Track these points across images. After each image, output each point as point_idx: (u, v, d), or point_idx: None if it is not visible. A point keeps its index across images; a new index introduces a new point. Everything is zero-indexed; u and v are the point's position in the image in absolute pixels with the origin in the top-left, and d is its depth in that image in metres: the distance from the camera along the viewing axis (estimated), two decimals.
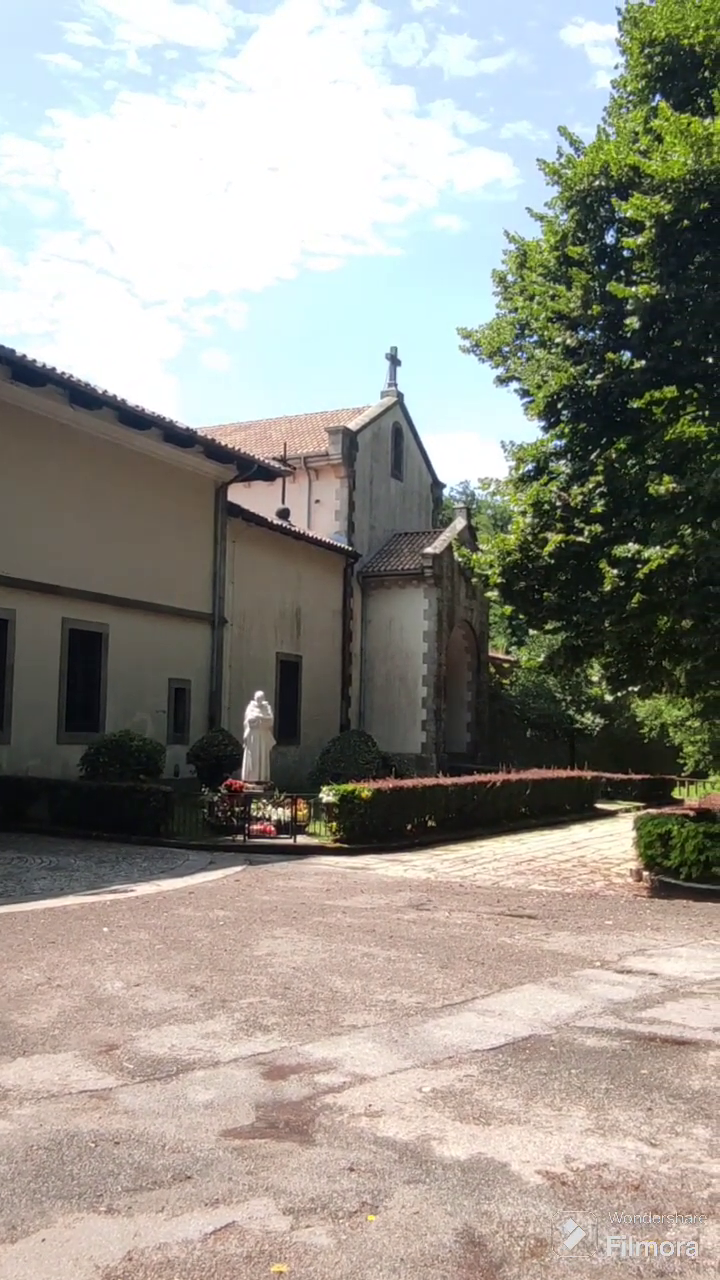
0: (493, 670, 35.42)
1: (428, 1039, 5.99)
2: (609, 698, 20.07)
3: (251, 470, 24.75)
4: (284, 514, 28.32)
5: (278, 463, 27.26)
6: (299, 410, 37.52)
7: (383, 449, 32.64)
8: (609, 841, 17.81)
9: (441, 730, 30.42)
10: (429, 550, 30.05)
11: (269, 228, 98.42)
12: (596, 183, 12.28)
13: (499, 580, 13.09)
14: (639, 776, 31.02)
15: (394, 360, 34.03)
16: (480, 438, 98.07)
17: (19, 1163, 4.20)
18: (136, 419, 20.66)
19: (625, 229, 12.30)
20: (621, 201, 11.65)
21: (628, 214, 11.52)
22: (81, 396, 19.39)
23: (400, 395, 33.86)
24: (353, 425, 30.88)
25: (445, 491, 39.66)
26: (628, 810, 24.64)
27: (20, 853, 13.41)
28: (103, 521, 20.74)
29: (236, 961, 7.74)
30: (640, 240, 11.61)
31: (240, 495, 26.98)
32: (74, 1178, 4.06)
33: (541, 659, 14.10)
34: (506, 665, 37.70)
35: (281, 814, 15.68)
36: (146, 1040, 5.83)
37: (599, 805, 25.75)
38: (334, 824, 15.47)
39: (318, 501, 30.56)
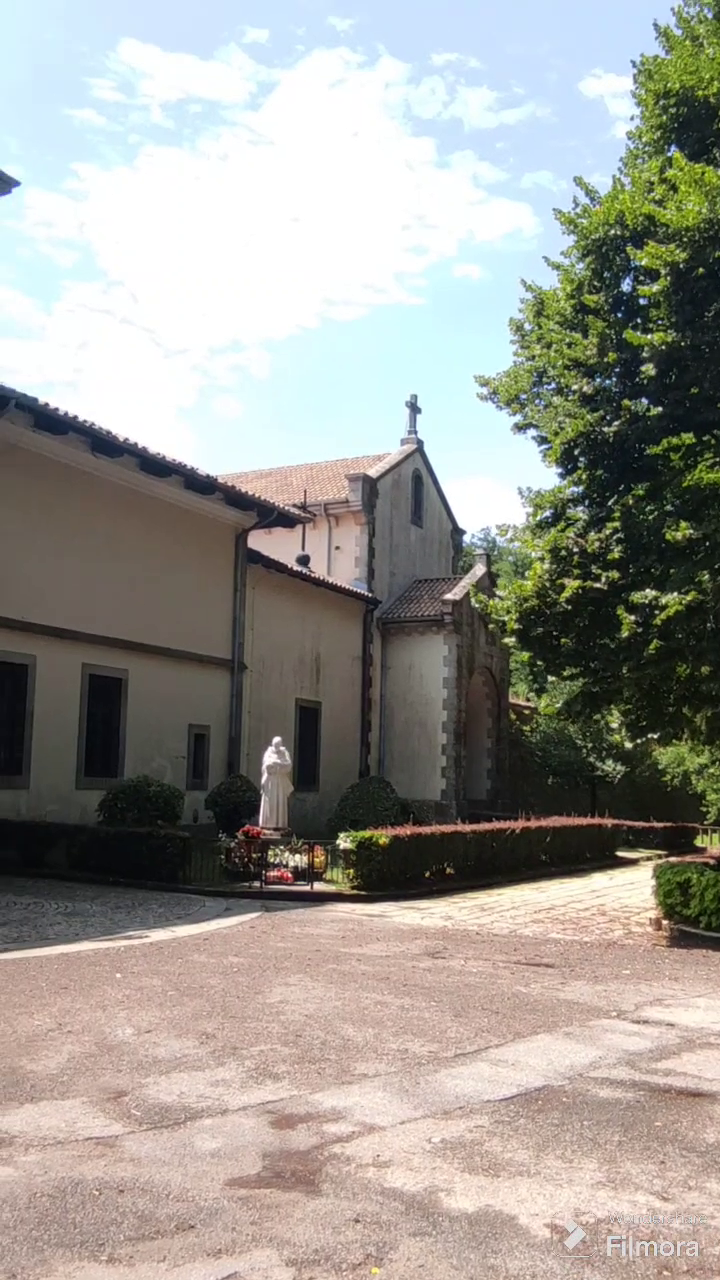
0: (514, 717, 35.27)
1: (439, 1089, 5.91)
2: (629, 745, 19.93)
3: (271, 517, 24.99)
4: (304, 560, 28.51)
5: (298, 510, 27.51)
6: (319, 457, 37.88)
7: (403, 496, 32.87)
8: (629, 890, 17.58)
9: (461, 777, 30.25)
10: (449, 596, 30.10)
11: (291, 277, 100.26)
12: (612, 232, 12.47)
13: (516, 626, 13.10)
14: (661, 824, 30.68)
15: (414, 408, 34.39)
16: (501, 484, 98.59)
17: (22, 1210, 4.16)
18: (157, 466, 20.95)
19: (641, 277, 12.47)
20: (637, 250, 11.82)
21: (643, 262, 11.69)
22: (103, 444, 19.69)
23: (420, 442, 34.16)
24: (373, 472, 31.14)
25: (466, 538, 39.85)
26: (649, 858, 24.33)
27: (37, 898, 13.40)
28: (123, 568, 20.95)
29: (249, 1009, 7.67)
30: (656, 288, 11.75)
31: (261, 542, 27.21)
32: (76, 1226, 4.02)
33: (559, 705, 14.02)
34: (527, 712, 37.52)
35: (299, 861, 15.60)
36: (155, 1087, 5.78)
37: (620, 853, 25.46)
38: (351, 871, 15.36)
39: (338, 548, 30.75)
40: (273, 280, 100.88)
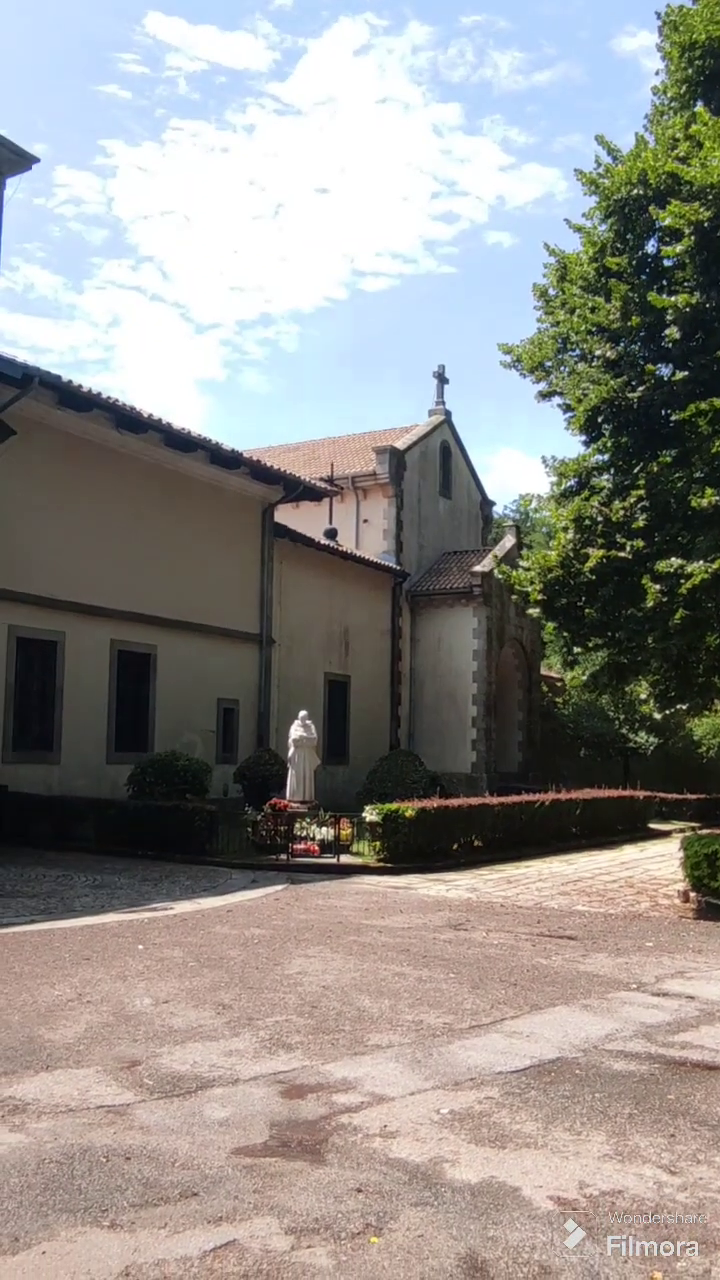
0: (545, 689, 35.09)
1: (451, 1060, 5.91)
2: (657, 715, 19.75)
3: (298, 491, 24.91)
4: (331, 534, 28.45)
5: (324, 483, 27.42)
6: (347, 431, 37.74)
7: (431, 468, 32.65)
8: (659, 862, 17.47)
9: (492, 750, 30.18)
10: (478, 568, 29.92)
11: (319, 249, 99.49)
12: (634, 191, 12.20)
13: (539, 597, 12.99)
14: (695, 796, 30.43)
15: (442, 378, 34.08)
16: (533, 456, 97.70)
17: (29, 1175, 4.22)
18: (183, 442, 20.94)
19: (665, 238, 12.21)
20: (660, 210, 11.56)
21: (666, 222, 11.44)
22: (127, 421, 19.69)
23: (448, 413, 33.87)
24: (400, 444, 30.95)
25: (497, 510, 39.57)
26: (682, 830, 24.13)
27: (67, 870, 13.56)
28: (150, 543, 21.00)
29: (267, 980, 7.72)
30: (679, 248, 11.50)
31: (288, 516, 27.17)
32: (81, 1191, 4.06)
33: (586, 677, 13.90)
34: (559, 684, 37.31)
35: (325, 833, 15.66)
36: (169, 1057, 5.83)
37: (652, 825, 25.28)
38: (377, 843, 15.39)
39: (366, 521, 30.63)
40: (301, 252, 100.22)
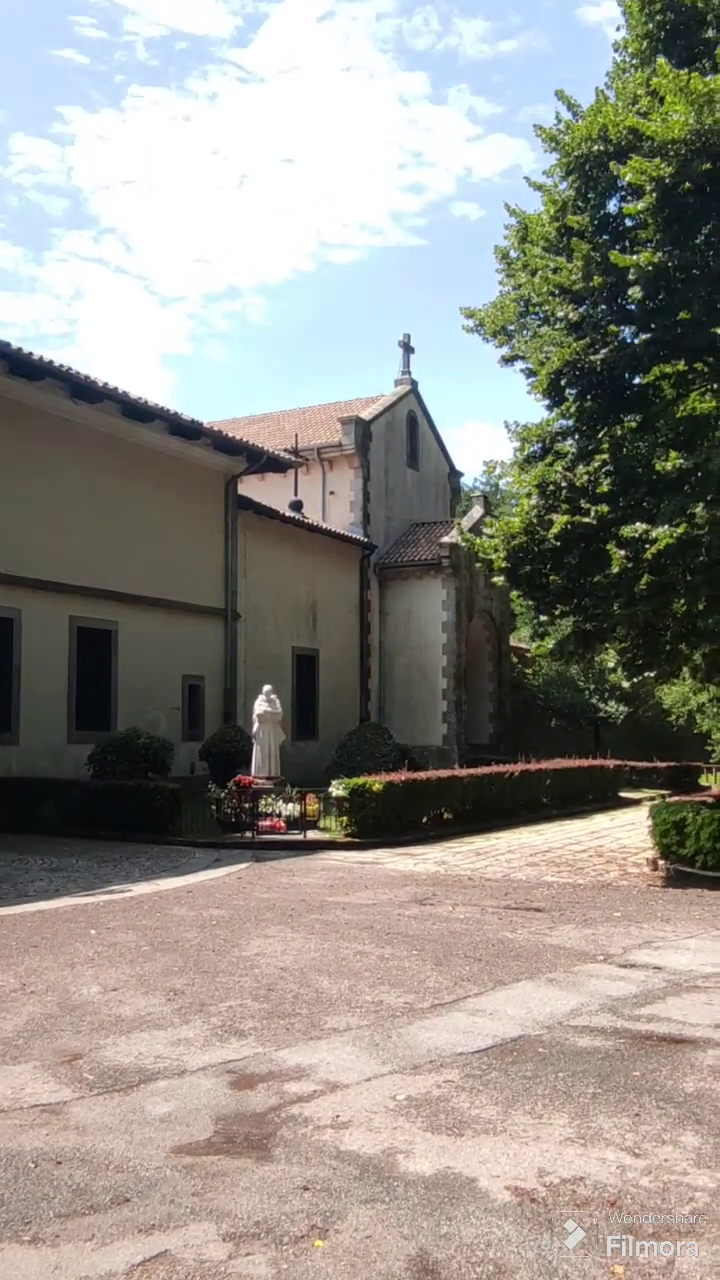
0: (515, 660, 34.96)
1: (410, 1042, 5.68)
2: (625, 684, 19.61)
3: (261, 462, 24.49)
4: (297, 506, 28.06)
5: (289, 454, 27.00)
6: (313, 402, 37.21)
7: (397, 438, 32.26)
8: (629, 831, 17.39)
9: (463, 722, 30.04)
10: (446, 540, 29.62)
11: (285, 220, 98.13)
12: (595, 148, 11.83)
13: (504, 564, 12.71)
14: (665, 764, 30.49)
15: (407, 348, 33.63)
16: (503, 428, 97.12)
17: None
18: (140, 412, 20.46)
19: (626, 196, 11.88)
20: (621, 166, 11.21)
21: (627, 178, 11.10)
22: (83, 390, 19.20)
23: (414, 383, 33.44)
24: (366, 414, 30.53)
25: (466, 481, 39.30)
26: (652, 798, 24.11)
27: (23, 854, 13.23)
28: (109, 517, 20.55)
29: (223, 963, 7.46)
30: (641, 206, 11.17)
31: (254, 488, 26.75)
32: (4, 1203, 3.78)
33: (551, 645, 13.68)
34: (529, 655, 37.22)
35: (291, 809, 15.41)
36: (113, 1049, 5.56)
37: (623, 794, 25.29)
38: (344, 818, 15.17)
39: (332, 493, 30.24)
40: (267, 224, 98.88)
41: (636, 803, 23.86)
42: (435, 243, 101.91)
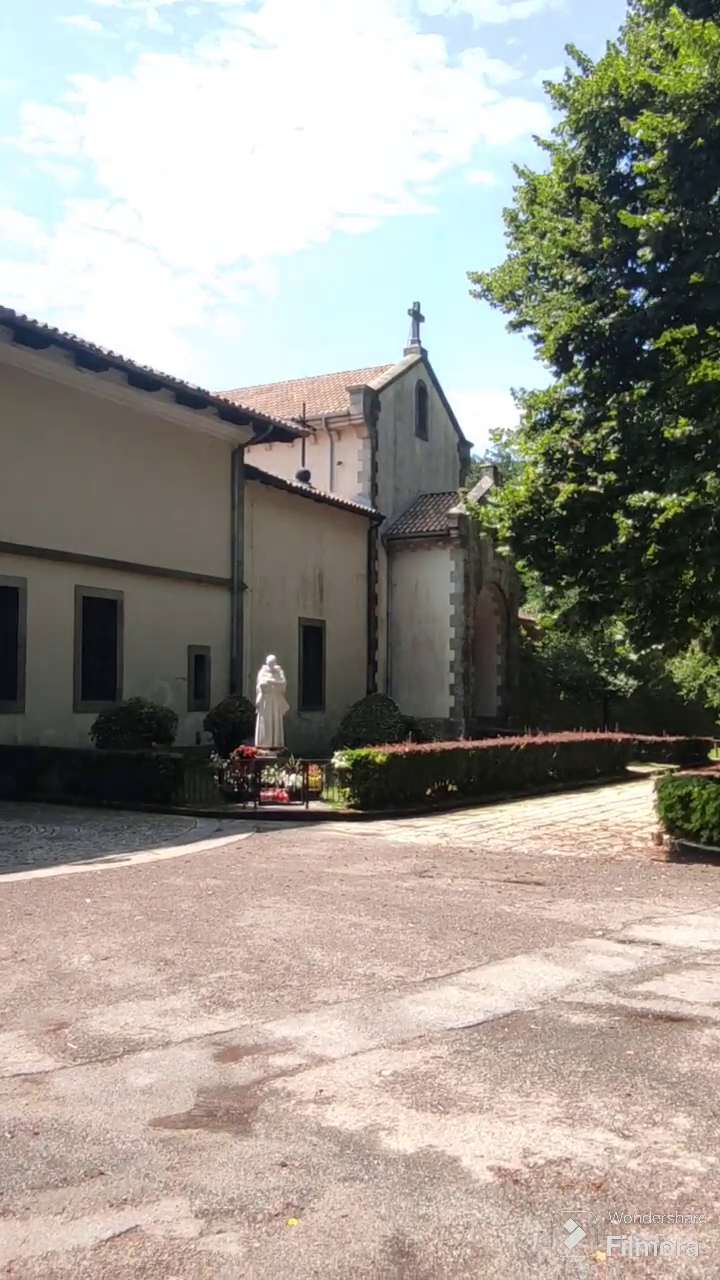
0: (524, 632, 34.76)
1: (400, 1016, 5.58)
2: (633, 656, 19.42)
3: (268, 431, 24.25)
4: (304, 476, 27.82)
5: (296, 423, 26.74)
6: (323, 371, 36.82)
7: (406, 408, 31.93)
8: (635, 805, 17.25)
9: (470, 694, 29.90)
10: (455, 510, 29.34)
11: (298, 189, 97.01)
12: (605, 104, 11.51)
13: (509, 534, 12.52)
14: (673, 738, 30.29)
15: (417, 316, 33.22)
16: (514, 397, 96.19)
17: None
18: (146, 380, 20.23)
19: (638, 154, 11.57)
20: (632, 122, 10.90)
21: (638, 135, 10.79)
22: (87, 358, 18.98)
23: (424, 352, 33.05)
24: (374, 384, 30.20)
25: (476, 452, 38.94)
26: (660, 772, 23.98)
27: (26, 822, 13.20)
28: (115, 487, 20.39)
29: (215, 933, 7.38)
30: (652, 164, 10.87)
31: (261, 458, 26.54)
32: None
33: (557, 616, 13.50)
34: (539, 627, 37.00)
35: (295, 780, 15.33)
36: (100, 1019, 5.48)
37: (631, 768, 25.12)
38: (347, 790, 15.08)
39: (340, 463, 29.98)
40: (280, 193, 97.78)
41: (645, 777, 23.72)
42: (449, 211, 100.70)
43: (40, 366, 18.66)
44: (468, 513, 14.45)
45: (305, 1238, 3.31)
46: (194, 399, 21.63)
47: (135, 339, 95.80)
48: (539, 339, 13.81)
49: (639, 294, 12.29)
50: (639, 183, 11.88)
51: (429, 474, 33.09)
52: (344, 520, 28.41)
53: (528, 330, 14.22)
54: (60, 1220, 3.40)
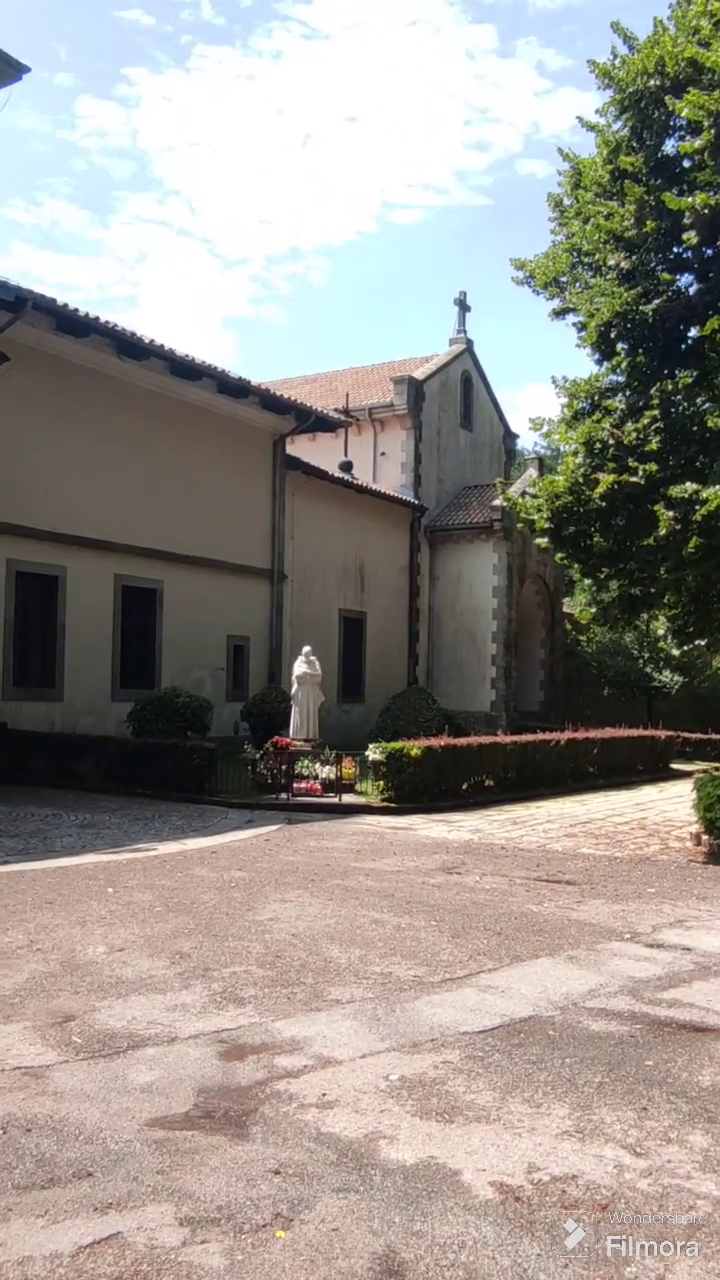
0: (569, 627, 34.33)
1: (414, 1018, 5.43)
2: (676, 651, 19.03)
3: (309, 421, 24.12)
4: (347, 467, 27.67)
5: (339, 414, 26.57)
6: (368, 361, 36.62)
7: (451, 399, 31.64)
8: (676, 804, 16.91)
9: (511, 688, 29.61)
10: (499, 502, 28.97)
11: (349, 180, 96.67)
12: (651, 82, 11.18)
13: (546, 525, 12.27)
14: None
15: (463, 306, 32.88)
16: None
17: None
18: (187, 369, 20.20)
19: (684, 135, 11.24)
20: (678, 101, 10.57)
21: (684, 114, 10.46)
22: (129, 347, 19.00)
23: (470, 342, 32.72)
24: (419, 374, 29.95)
25: (523, 444, 38.46)
26: (705, 771, 23.54)
27: (59, 809, 13.23)
28: (155, 476, 20.41)
29: (234, 926, 7.28)
30: (698, 143, 10.54)
31: (304, 449, 26.46)
32: None
33: (596, 610, 13.22)
34: (580, 621, 36.52)
35: (328, 772, 15.22)
36: (108, 1012, 5.40)
37: (675, 766, 24.69)
38: (381, 783, 14.94)
39: (383, 454, 29.79)
40: (331, 184, 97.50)
41: (688, 775, 23.21)
42: (501, 202, 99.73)
43: (82, 355, 18.70)
44: (504, 502, 14.18)
45: (291, 1251, 3.17)
46: (235, 388, 21.57)
47: (184, 331, 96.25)
48: (581, 327, 13.52)
49: (684, 279, 11.95)
50: (685, 164, 11.55)
51: (473, 465, 32.77)
52: (386, 511, 28.23)
53: (571, 318, 13.97)
54: (41, 1223, 3.30)
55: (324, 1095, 4.38)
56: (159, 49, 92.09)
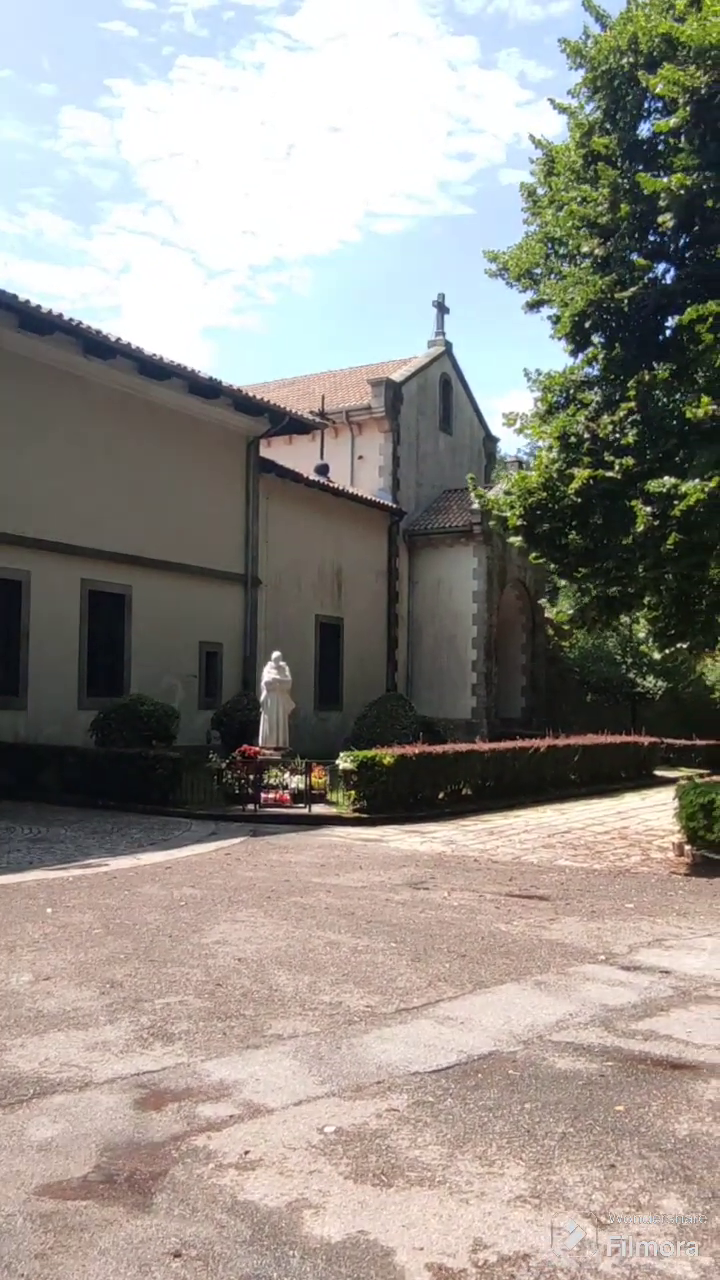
0: (551, 632, 33.84)
1: (361, 1056, 4.89)
2: (657, 655, 18.55)
3: (283, 423, 23.58)
4: (323, 470, 27.14)
5: (314, 416, 26.06)
6: (345, 365, 36.16)
7: (430, 401, 31.16)
8: (659, 812, 16.40)
9: (493, 695, 29.10)
10: (475, 504, 28.48)
11: (332, 190, 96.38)
12: (624, 60, 10.73)
13: (519, 522, 11.77)
14: (704, 742, 29.29)
15: (441, 308, 32.42)
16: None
17: None
18: (156, 369, 19.65)
19: (658, 114, 10.78)
20: (651, 77, 10.11)
21: (657, 90, 10.00)
22: (95, 346, 18.45)
23: (449, 345, 32.25)
24: (397, 376, 29.46)
25: (504, 447, 38.11)
26: (689, 777, 23.06)
27: (13, 823, 12.63)
28: (124, 478, 19.83)
29: (176, 951, 6.72)
30: (673, 122, 10.10)
31: (280, 453, 25.94)
32: None
33: (572, 612, 12.72)
34: (556, 622, 36.02)
35: (298, 782, 14.67)
36: (19, 1052, 4.84)
37: (659, 772, 24.20)
38: (353, 793, 14.39)
39: (361, 457, 29.28)
40: (314, 194, 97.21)
41: (672, 782, 22.77)
42: (484, 212, 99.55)
43: (46, 355, 18.13)
44: (475, 499, 13.67)
45: None
46: (206, 389, 21.04)
47: (162, 339, 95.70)
48: (556, 320, 13.05)
49: (660, 267, 11.49)
50: (660, 147, 11.10)
51: (453, 469, 32.26)
52: (364, 515, 27.72)
53: (545, 311, 13.50)
54: None
55: (247, 1153, 3.84)
56: (142, 60, 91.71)
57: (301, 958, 6.62)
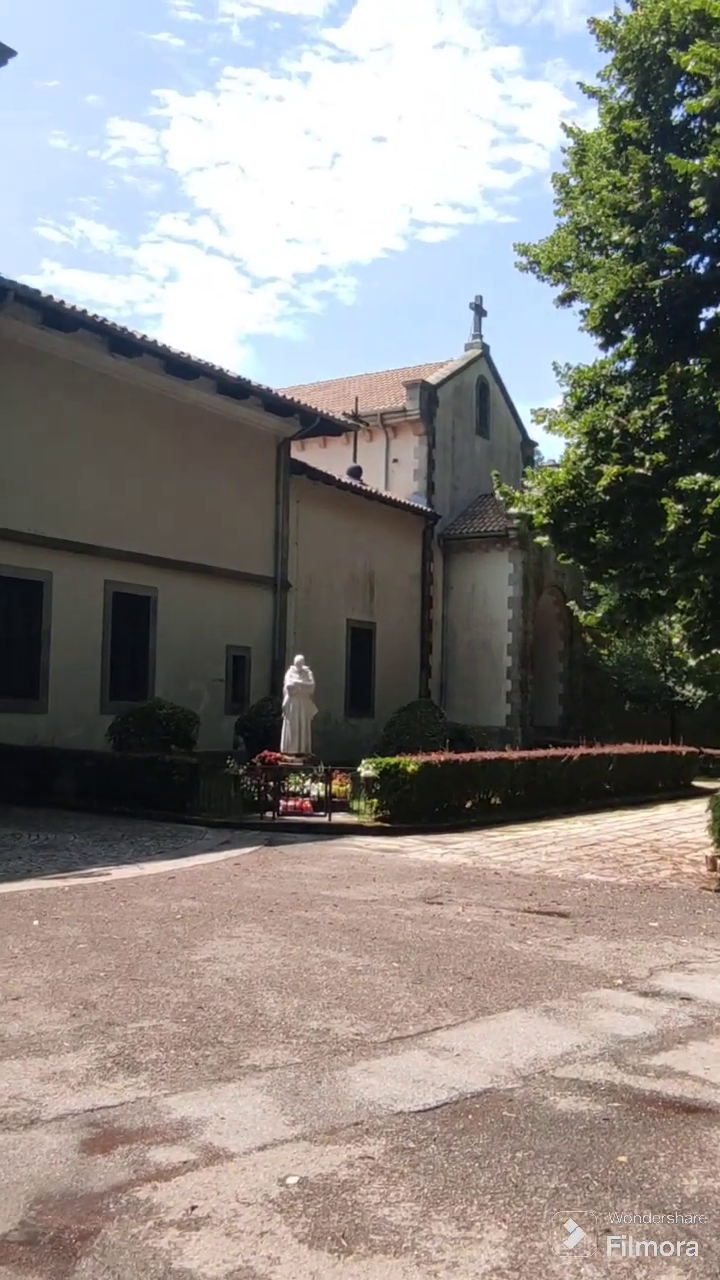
0: (588, 639, 33.11)
1: (341, 1092, 4.45)
2: (692, 661, 17.90)
3: (314, 424, 23.23)
4: (356, 473, 26.78)
5: (347, 417, 25.70)
6: (382, 368, 35.78)
7: (466, 405, 30.68)
8: (694, 824, 15.77)
9: (528, 702, 28.50)
10: (503, 503, 27.91)
11: (377, 199, 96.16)
12: (656, 40, 10.23)
13: (545, 521, 11.27)
14: None
15: (479, 310, 31.95)
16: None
17: None
18: (183, 368, 19.39)
19: (690, 96, 10.27)
20: (683, 54, 9.61)
21: (689, 67, 9.50)
22: (120, 343, 18.22)
23: (486, 348, 31.76)
24: (432, 379, 29.03)
25: (544, 451, 37.45)
26: None
27: (21, 829, 12.34)
28: (151, 479, 19.60)
29: (161, 969, 6.32)
30: (706, 101, 9.58)
31: (314, 455, 25.65)
32: None
33: (601, 615, 12.19)
34: (589, 625, 35.25)
35: (319, 789, 14.25)
36: None
37: (697, 783, 23.50)
38: (375, 801, 13.95)
39: (395, 461, 28.87)
40: (359, 203, 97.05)
41: (710, 793, 22.12)
42: (528, 220, 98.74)
43: (70, 351, 17.93)
44: (499, 496, 13.19)
45: None
46: (235, 389, 20.74)
47: (201, 345, 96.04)
48: (587, 313, 12.54)
49: (694, 258, 10.96)
50: (692, 128, 10.58)
51: (489, 473, 31.67)
52: (397, 519, 27.29)
53: (577, 305, 12.98)
54: None
55: (193, 1208, 3.41)
56: (189, 70, 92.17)
57: (295, 978, 6.19)
